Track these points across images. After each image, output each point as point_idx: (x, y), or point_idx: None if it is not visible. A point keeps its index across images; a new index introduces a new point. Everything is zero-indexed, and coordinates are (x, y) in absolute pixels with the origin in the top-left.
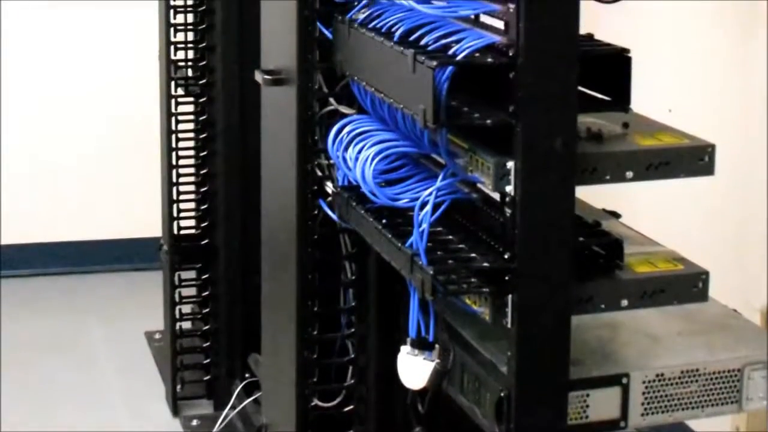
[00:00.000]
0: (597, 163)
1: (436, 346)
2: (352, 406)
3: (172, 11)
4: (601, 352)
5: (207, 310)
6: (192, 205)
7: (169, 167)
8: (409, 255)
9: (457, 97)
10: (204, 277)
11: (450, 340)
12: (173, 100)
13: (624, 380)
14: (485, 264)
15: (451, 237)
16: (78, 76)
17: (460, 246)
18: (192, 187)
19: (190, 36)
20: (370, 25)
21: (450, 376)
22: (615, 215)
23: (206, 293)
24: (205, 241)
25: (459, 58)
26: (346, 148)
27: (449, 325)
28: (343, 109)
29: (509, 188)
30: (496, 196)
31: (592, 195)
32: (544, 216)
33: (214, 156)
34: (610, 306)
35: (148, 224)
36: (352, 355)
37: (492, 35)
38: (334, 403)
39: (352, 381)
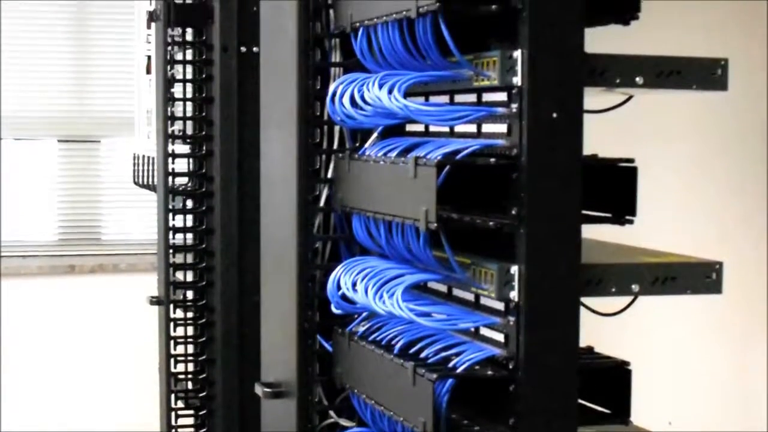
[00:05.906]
0: None
1: None
2: None
3: (171, 323)
4: None
5: None
6: None
7: None
8: None
9: (457, 409)
10: None
11: None
12: (173, 413)
13: None
14: None
15: None
16: (76, 387)
17: None
18: None
19: (190, 348)
20: (371, 338)
21: None
22: None
23: None
24: None
25: (459, 370)
26: None
27: None
28: (343, 422)
29: None
30: None
31: None
32: None
33: None
34: None
35: None
36: None
37: (492, 348)
38: None
39: None
